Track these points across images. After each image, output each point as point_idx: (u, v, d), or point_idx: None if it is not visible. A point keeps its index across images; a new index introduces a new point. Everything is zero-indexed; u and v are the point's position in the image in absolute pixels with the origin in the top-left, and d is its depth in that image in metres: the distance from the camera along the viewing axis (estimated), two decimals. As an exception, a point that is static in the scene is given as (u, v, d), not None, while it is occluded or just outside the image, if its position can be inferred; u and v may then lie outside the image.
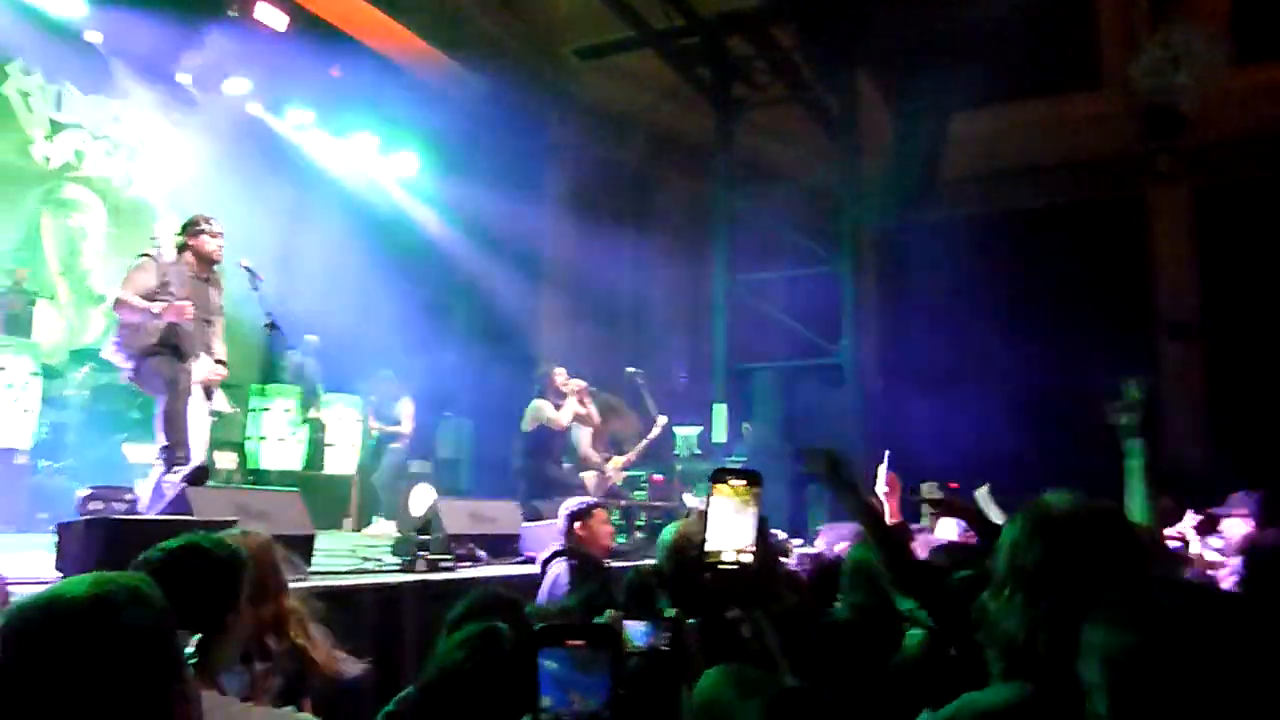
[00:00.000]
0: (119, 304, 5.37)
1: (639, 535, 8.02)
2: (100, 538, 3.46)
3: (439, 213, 11.86)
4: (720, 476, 1.61)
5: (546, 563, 4.60)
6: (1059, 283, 11.88)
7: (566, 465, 8.54)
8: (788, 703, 1.44)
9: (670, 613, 2.05)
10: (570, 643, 1.21)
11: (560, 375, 8.26)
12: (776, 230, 11.95)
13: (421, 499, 9.22)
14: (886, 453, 3.38)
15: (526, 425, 8.07)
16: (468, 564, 5.55)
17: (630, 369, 9.52)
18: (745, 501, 1.60)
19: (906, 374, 12.00)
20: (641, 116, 12.78)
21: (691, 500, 8.70)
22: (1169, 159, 12.14)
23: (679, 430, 10.66)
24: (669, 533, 2.78)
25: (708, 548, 1.56)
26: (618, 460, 8.88)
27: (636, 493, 9.41)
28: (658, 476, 10.03)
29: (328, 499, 8.90)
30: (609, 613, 2.34)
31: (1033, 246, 12.19)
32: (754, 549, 1.59)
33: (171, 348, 5.34)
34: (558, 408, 8.13)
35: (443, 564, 5.16)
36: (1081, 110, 12.27)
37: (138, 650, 1.20)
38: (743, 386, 11.67)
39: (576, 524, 4.75)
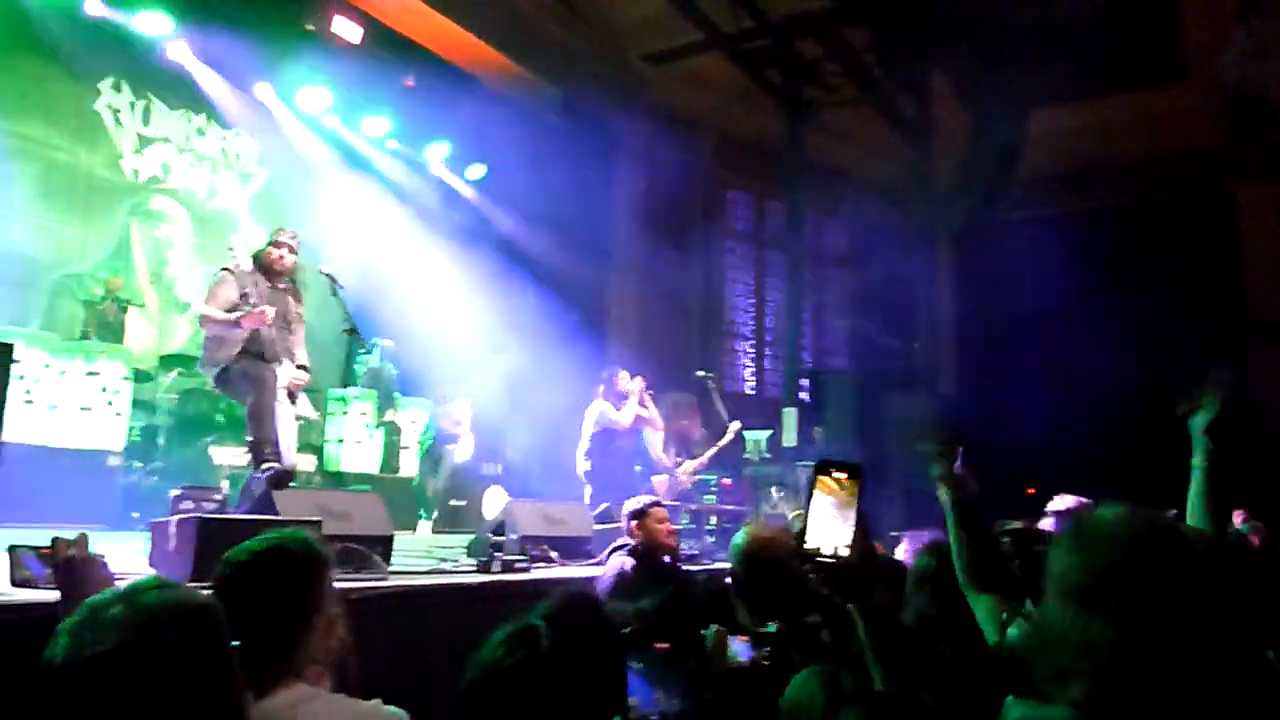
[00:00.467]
0: (203, 320, 5.52)
1: (709, 539, 8.16)
2: (191, 535, 3.61)
3: (511, 219, 12.01)
4: (823, 468, 1.61)
5: (610, 555, 4.69)
6: (1143, 284, 11.67)
7: (638, 469, 8.57)
8: (891, 709, 1.44)
9: (772, 628, 2.10)
10: (658, 646, 1.21)
11: (623, 377, 8.31)
12: (849, 232, 11.85)
13: (494, 501, 9.33)
14: (959, 449, 3.33)
15: (589, 428, 8.15)
16: (541, 565, 5.63)
17: (700, 371, 9.52)
18: (847, 494, 1.60)
19: (983, 377, 11.81)
20: (711, 119, 12.82)
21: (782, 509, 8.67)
22: (1258, 154, 11.79)
23: (749, 434, 10.65)
24: (741, 537, 2.80)
25: (808, 542, 1.56)
26: (689, 464, 8.91)
27: (706, 497, 9.44)
28: (727, 480, 10.05)
29: (403, 500, 9.07)
30: (713, 628, 2.31)
31: (1115, 246, 11.99)
32: (854, 543, 1.58)
33: (254, 354, 5.48)
34: (619, 410, 8.19)
35: (517, 565, 5.25)
36: (1166, 105, 11.95)
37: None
38: (815, 389, 11.64)
39: (634, 523, 4.78)
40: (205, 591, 1.59)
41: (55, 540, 1.93)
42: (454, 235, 11.72)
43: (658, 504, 4.92)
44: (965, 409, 11.29)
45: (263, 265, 5.71)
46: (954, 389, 11.90)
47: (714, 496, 9.51)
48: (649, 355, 10.94)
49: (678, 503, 8.11)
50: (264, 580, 1.90)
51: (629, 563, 4.51)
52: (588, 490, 7.98)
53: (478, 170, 11.74)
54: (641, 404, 8.34)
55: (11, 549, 2.04)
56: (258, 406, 5.27)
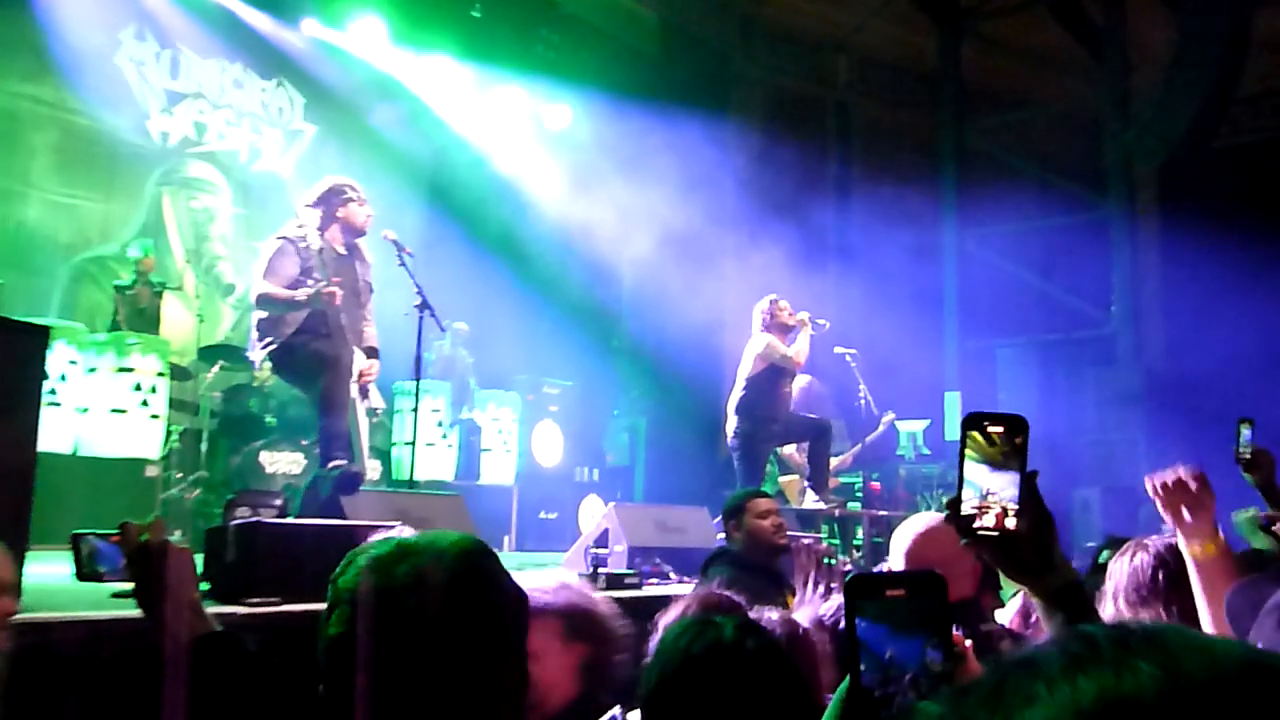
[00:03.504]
0: (262, 299, 5.61)
1: (857, 555, 8.10)
2: (253, 544, 3.75)
3: (601, 170, 12.02)
4: (973, 423, 1.58)
5: (704, 569, 4.69)
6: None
7: (769, 469, 8.63)
8: None
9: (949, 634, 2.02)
10: (890, 593, 1.27)
11: (785, 307, 8.25)
12: (1021, 169, 11.69)
13: (591, 513, 9.45)
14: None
15: (747, 368, 8.10)
16: (655, 582, 5.64)
17: (840, 348, 9.38)
18: (1008, 452, 1.58)
19: (1199, 348, 11.39)
20: (843, 39, 12.76)
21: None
22: None
23: (901, 425, 10.62)
24: (900, 532, 2.92)
25: (962, 511, 1.55)
26: (832, 462, 8.83)
27: (851, 504, 9.35)
28: (876, 483, 10.05)
29: (485, 514, 9.10)
30: None
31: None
32: (1022, 508, 1.55)
33: (322, 334, 5.58)
34: (787, 344, 8.14)
35: (626, 580, 5.29)
36: None
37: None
38: (982, 368, 11.59)
39: (731, 522, 4.82)
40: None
41: (125, 525, 1.97)
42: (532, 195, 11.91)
43: (758, 494, 4.92)
44: (1177, 388, 10.94)
45: (345, 225, 5.81)
46: (1162, 361, 11.57)
47: (858, 503, 9.50)
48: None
49: (818, 506, 8.12)
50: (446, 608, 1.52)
51: (729, 575, 4.33)
52: (738, 469, 7.97)
53: (560, 115, 11.92)
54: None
55: (75, 536, 2.11)
56: (330, 392, 5.33)
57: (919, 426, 10.73)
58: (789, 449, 8.98)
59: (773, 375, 8.09)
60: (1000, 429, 1.59)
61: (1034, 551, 1.56)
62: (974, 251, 11.53)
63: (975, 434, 1.60)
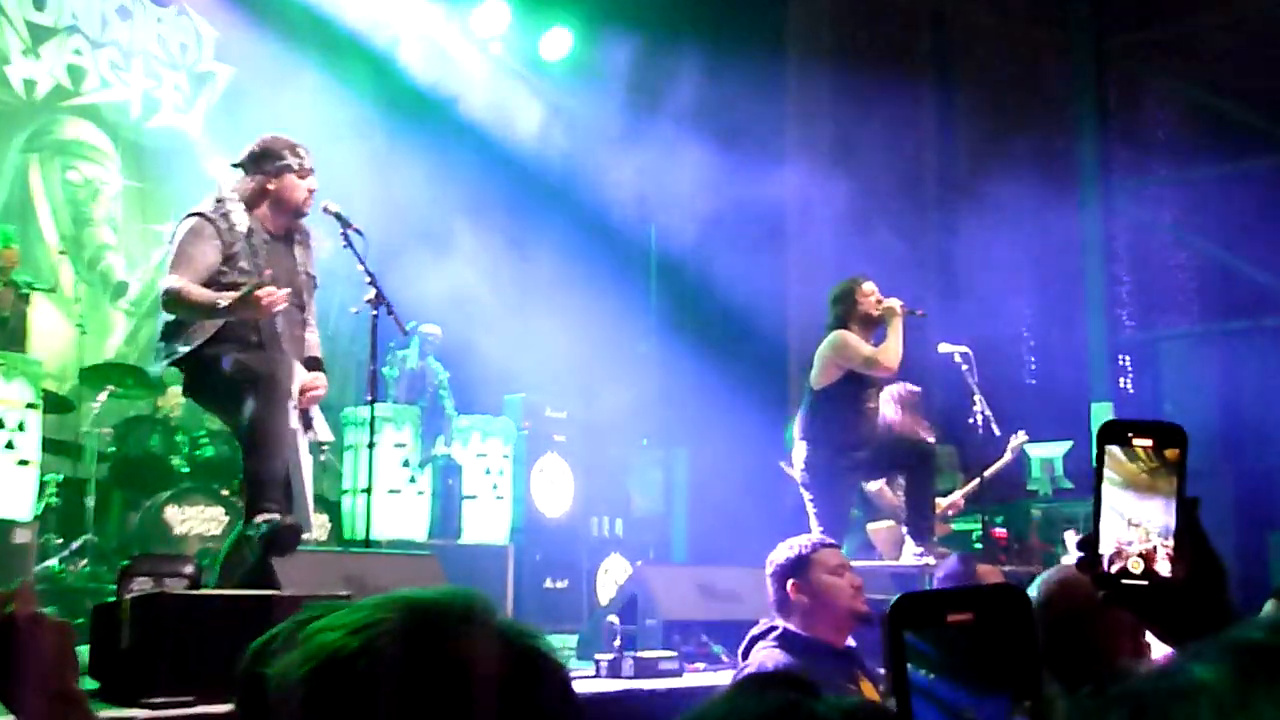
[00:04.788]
0: (170, 299, 5.55)
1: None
2: (155, 624, 3.78)
3: (615, 114, 12.10)
4: (1113, 435, 1.62)
5: (745, 653, 4.64)
6: None
7: (854, 514, 8.71)
8: None
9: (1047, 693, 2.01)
10: (952, 619, 1.25)
11: (870, 290, 8.20)
12: (1188, 103, 11.72)
13: (613, 575, 9.57)
14: None
15: (821, 376, 8.05)
16: (699, 667, 5.73)
17: (947, 345, 9.28)
18: (1156, 476, 1.61)
19: None
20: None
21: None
22: None
23: (1033, 450, 10.56)
24: (1036, 594, 2.99)
25: (1100, 552, 1.59)
26: (939, 502, 8.87)
27: None
28: (1000, 530, 9.98)
29: (470, 581, 8.96)
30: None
31: None
32: (1178, 551, 1.58)
33: (252, 343, 5.57)
34: (872, 341, 8.07)
35: (662, 665, 5.32)
36: None
37: None
38: (1142, 369, 11.56)
39: (790, 582, 4.61)
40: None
41: None
42: (522, 152, 11.91)
43: (826, 544, 4.83)
44: None
45: (278, 202, 5.79)
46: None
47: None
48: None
49: (922, 562, 7.99)
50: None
51: (779, 659, 4.42)
52: (811, 513, 7.93)
53: (559, 41, 11.96)
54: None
55: None
56: (261, 422, 5.29)
57: (1058, 451, 10.64)
58: (878, 485, 8.93)
59: (854, 385, 8.01)
60: (1149, 442, 1.61)
61: (1196, 605, 1.57)
62: (1125, 210, 11.51)
63: (1116, 450, 1.62)
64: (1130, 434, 1.62)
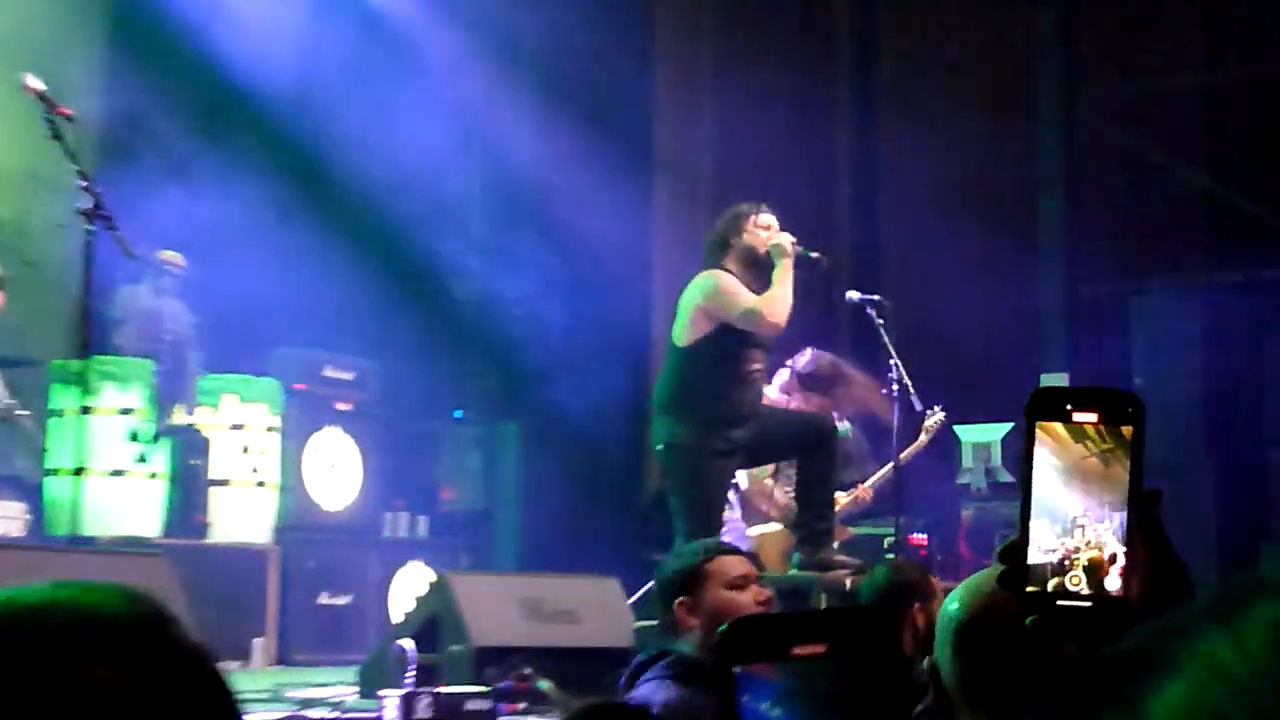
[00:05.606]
0: None
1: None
2: None
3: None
4: (1047, 408, 1.63)
5: (628, 685, 4.80)
6: None
7: (727, 512, 8.77)
8: None
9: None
10: (801, 651, 1.34)
11: (760, 221, 8.38)
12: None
13: (411, 583, 9.61)
14: None
15: (685, 333, 8.22)
16: (520, 706, 6.07)
17: (856, 294, 9.44)
18: (1103, 461, 1.61)
19: None
20: None
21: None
22: None
23: (963, 432, 10.95)
24: (956, 607, 2.91)
25: (1029, 561, 1.60)
26: (839, 499, 9.06)
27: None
28: (919, 536, 10.42)
29: (217, 595, 9.10)
30: None
31: None
32: (1131, 560, 1.60)
33: None
34: (756, 288, 8.19)
35: (470, 706, 5.61)
36: None
37: None
38: (1107, 331, 11.72)
39: (679, 601, 4.91)
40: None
41: None
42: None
43: (726, 549, 5.13)
44: None
45: None
46: None
47: (884, 570, 9.75)
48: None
49: (819, 576, 8.25)
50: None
51: (670, 695, 4.53)
52: (674, 509, 8.16)
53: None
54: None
55: None
56: None
57: (994, 435, 10.93)
58: (762, 476, 9.23)
59: (731, 343, 8.20)
60: (1093, 417, 1.63)
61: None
62: (1088, 123, 11.78)
63: (1052, 428, 1.64)
64: (1069, 406, 1.64)
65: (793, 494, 8.79)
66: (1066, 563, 1.58)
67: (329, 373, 10.54)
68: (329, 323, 10.89)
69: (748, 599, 4.84)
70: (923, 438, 9.66)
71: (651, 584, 5.52)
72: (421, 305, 11.44)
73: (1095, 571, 1.58)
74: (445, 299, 11.80)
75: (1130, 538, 1.59)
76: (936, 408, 9.72)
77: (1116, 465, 1.61)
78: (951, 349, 12.06)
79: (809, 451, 8.35)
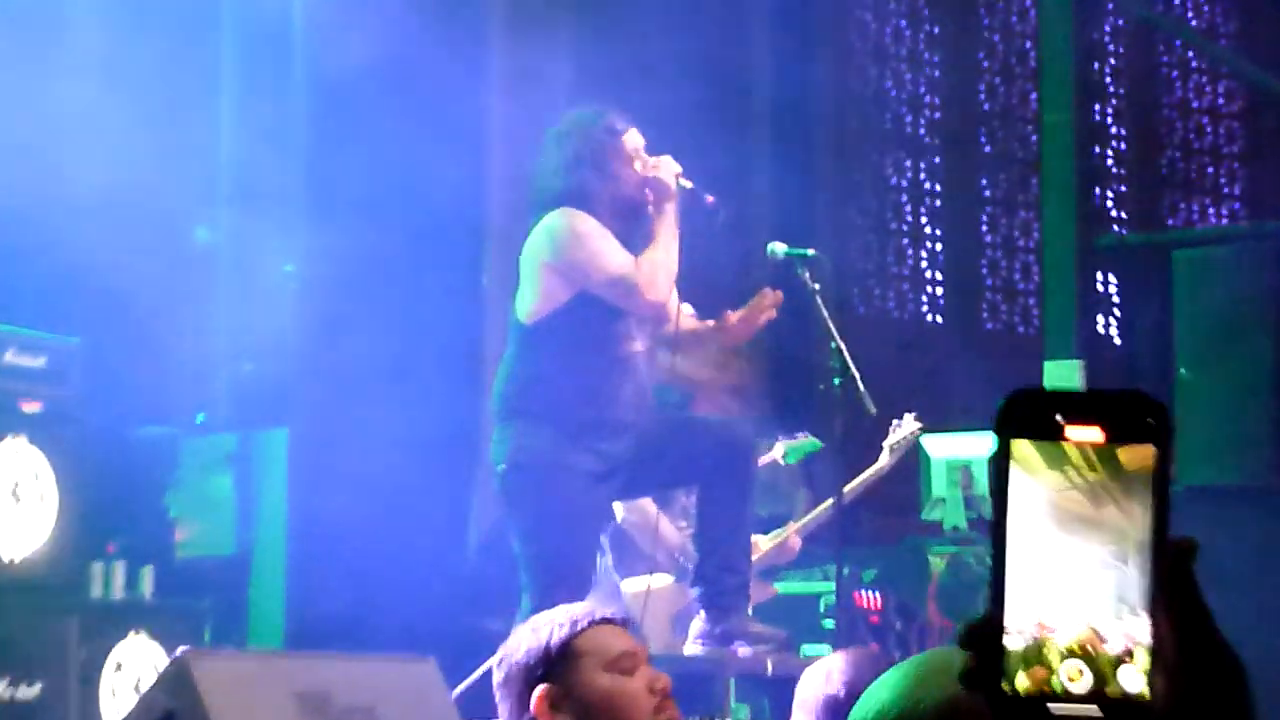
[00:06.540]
0: None
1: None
2: None
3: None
4: (1028, 418, 1.54)
5: None
6: None
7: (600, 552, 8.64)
8: None
9: None
10: (1074, 437, 1.44)
11: (635, 145, 8.33)
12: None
13: (127, 669, 9.38)
14: None
15: (532, 306, 8.16)
16: None
17: (781, 246, 9.39)
18: (1111, 497, 1.52)
19: None
20: None
21: None
22: None
23: (932, 446, 11.07)
24: (888, 693, 2.75)
25: (1006, 644, 1.49)
26: (760, 542, 9.30)
27: (809, 647, 9.94)
28: (870, 595, 11.19)
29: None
30: None
31: None
32: (1156, 647, 1.49)
33: None
34: (631, 243, 8.15)
35: None
36: None
37: None
38: (1137, 297, 11.12)
39: (541, 690, 4.87)
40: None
41: None
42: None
43: (601, 620, 5.09)
44: None
45: None
46: None
47: (827, 647, 9.71)
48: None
49: (727, 652, 8.37)
50: None
51: None
52: (518, 552, 8.32)
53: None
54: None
55: None
56: None
57: (978, 449, 10.74)
58: (645, 509, 9.16)
59: (595, 316, 8.25)
60: (1096, 433, 1.55)
61: None
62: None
63: (1035, 449, 1.58)
64: (1059, 415, 1.55)
65: (689, 532, 8.74)
66: (1055, 649, 1.49)
67: (9, 359, 10.04)
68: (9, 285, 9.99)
69: (637, 687, 4.87)
70: (884, 460, 9.58)
71: (489, 665, 5.43)
72: (159, 257, 10.90)
73: (1104, 661, 1.48)
74: (187, 248, 11.41)
75: (1153, 608, 1.48)
76: (909, 415, 9.71)
77: (1131, 505, 1.50)
78: (915, 322, 11.99)
79: (714, 472, 8.28)
